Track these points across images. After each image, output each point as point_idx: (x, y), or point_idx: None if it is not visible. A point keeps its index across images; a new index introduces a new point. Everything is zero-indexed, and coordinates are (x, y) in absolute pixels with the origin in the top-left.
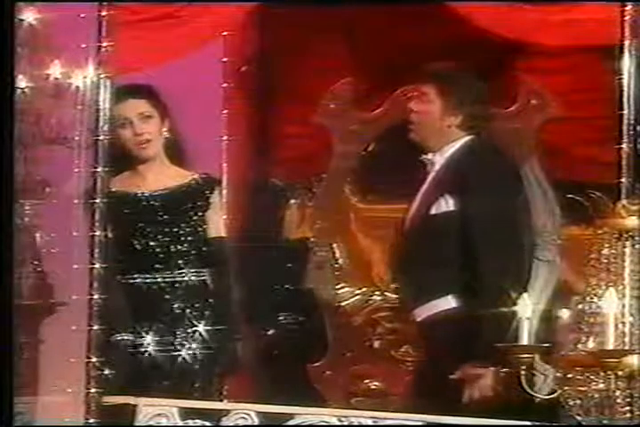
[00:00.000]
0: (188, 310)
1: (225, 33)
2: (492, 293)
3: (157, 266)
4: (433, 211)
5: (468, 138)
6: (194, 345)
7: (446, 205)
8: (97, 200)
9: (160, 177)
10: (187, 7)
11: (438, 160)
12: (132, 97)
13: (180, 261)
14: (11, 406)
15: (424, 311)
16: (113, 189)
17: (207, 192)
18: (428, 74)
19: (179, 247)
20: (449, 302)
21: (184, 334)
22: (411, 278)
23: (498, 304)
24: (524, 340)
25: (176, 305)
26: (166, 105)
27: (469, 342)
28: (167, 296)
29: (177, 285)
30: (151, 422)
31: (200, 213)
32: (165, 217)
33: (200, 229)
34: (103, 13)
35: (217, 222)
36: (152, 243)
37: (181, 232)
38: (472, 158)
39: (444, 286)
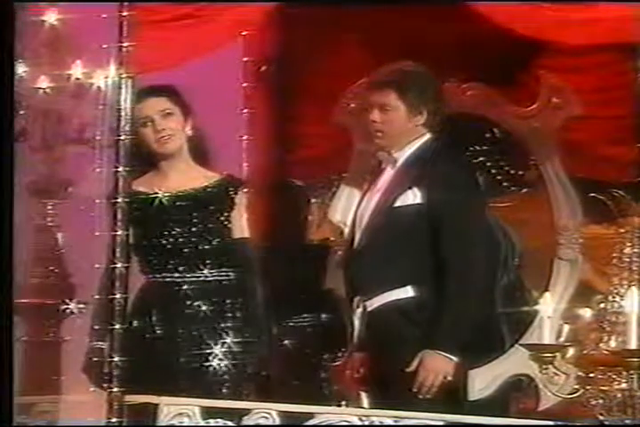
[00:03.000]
0: (213, 311)
1: (245, 33)
2: (454, 283)
3: (183, 267)
4: (397, 203)
5: (428, 136)
6: (220, 346)
7: (413, 198)
8: (119, 200)
9: (184, 178)
10: (207, 7)
11: (400, 156)
12: (153, 96)
13: (206, 262)
14: (11, 406)
15: (378, 300)
16: (137, 190)
17: (231, 193)
18: (383, 81)
19: (205, 248)
20: (407, 292)
21: (211, 335)
22: (370, 270)
23: (459, 294)
24: (547, 339)
25: (202, 306)
26: (187, 104)
27: (425, 332)
28: (193, 296)
29: (203, 285)
30: (173, 422)
31: (225, 214)
32: (190, 218)
33: (225, 229)
34: (124, 13)
35: (241, 223)
36: (178, 244)
37: (207, 233)
38: (434, 156)
39: (403, 277)
